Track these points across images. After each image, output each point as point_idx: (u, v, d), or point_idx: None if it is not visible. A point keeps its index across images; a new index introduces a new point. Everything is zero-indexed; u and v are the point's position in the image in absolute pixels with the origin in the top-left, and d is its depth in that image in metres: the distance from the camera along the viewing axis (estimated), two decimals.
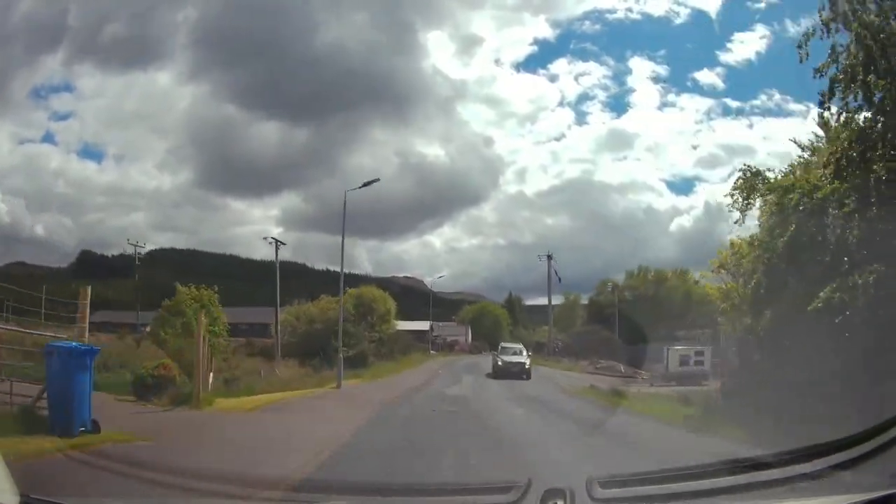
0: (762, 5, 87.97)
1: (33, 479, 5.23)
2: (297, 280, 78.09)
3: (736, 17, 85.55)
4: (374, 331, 39.67)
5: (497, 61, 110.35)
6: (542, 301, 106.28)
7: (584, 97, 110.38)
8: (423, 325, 65.68)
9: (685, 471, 5.40)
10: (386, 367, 33.46)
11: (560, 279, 55.91)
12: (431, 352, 61.35)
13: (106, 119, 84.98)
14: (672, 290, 60.60)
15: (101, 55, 77.52)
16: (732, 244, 15.67)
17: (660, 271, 65.24)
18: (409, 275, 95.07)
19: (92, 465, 7.06)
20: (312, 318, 36.17)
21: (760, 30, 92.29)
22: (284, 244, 37.28)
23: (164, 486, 5.75)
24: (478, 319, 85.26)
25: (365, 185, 29.81)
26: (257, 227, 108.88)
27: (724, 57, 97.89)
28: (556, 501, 3.68)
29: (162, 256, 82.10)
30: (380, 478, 7.09)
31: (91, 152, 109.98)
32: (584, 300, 70.84)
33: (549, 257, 54.90)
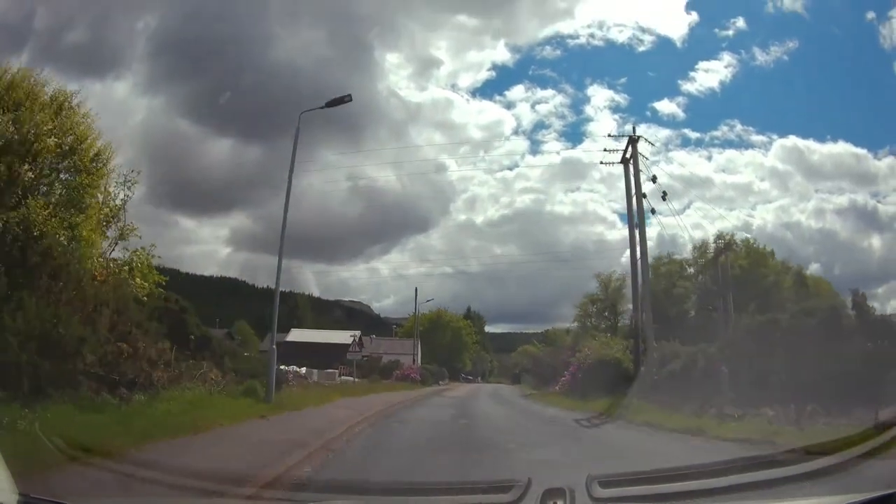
0: (730, 33, 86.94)
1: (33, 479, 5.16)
2: (235, 295, 75.81)
3: (702, 45, 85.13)
4: None
5: (454, 86, 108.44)
6: (493, 330, 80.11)
7: (539, 125, 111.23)
8: (345, 338, 45.54)
9: (685, 471, 5.40)
10: None
11: (664, 195, 24.25)
12: (345, 377, 36.66)
13: None
14: (780, 277, 38.35)
15: (62, 62, 76.77)
16: None
17: (751, 246, 40.39)
18: (354, 299, 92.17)
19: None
20: None
21: (727, 58, 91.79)
22: None
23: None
24: (431, 333, 66.50)
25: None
26: (207, 246, 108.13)
27: (686, 86, 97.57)
28: (555, 501, 3.68)
29: None
30: (380, 477, 7.07)
31: None
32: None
33: (634, 141, 24.08)
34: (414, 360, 53.27)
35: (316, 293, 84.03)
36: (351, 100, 19.44)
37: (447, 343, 69.86)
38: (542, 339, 69.03)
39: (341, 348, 42.88)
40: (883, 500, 3.39)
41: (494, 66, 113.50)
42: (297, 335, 54.91)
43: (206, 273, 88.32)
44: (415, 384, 43.56)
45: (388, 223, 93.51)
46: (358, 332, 51.76)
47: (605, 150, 25.12)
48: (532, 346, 68.75)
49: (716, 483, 4.84)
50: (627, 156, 24.41)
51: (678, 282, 38.00)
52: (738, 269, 36.44)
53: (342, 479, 6.82)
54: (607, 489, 4.17)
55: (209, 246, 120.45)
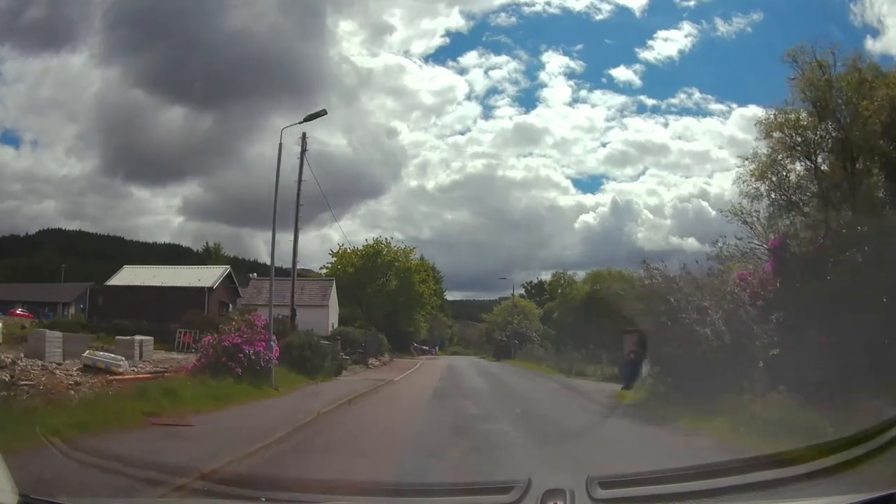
0: (692, 3, 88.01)
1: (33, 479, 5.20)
2: (176, 260, 78.11)
3: (662, 15, 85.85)
4: None
5: (406, 52, 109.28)
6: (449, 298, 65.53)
7: (492, 91, 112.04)
8: (203, 278, 33.48)
9: (685, 471, 5.39)
10: None
11: None
12: (172, 353, 23.15)
13: (25, 104, 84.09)
14: None
15: (21, 38, 77.68)
16: None
17: None
18: (304, 267, 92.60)
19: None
20: None
21: (686, 27, 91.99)
22: None
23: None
24: (363, 277, 41.81)
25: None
26: (161, 216, 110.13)
27: (644, 54, 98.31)
28: (556, 501, 3.68)
29: (49, 237, 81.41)
30: (380, 477, 7.07)
31: (10, 138, 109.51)
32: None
33: None
34: (293, 312, 25.96)
35: (265, 261, 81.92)
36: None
37: (390, 293, 43.65)
38: (525, 298, 65.17)
39: (195, 294, 29.30)
40: (883, 500, 3.38)
41: (448, 33, 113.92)
42: (128, 276, 36.91)
43: (159, 242, 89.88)
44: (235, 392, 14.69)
45: (340, 189, 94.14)
46: (227, 268, 37.01)
47: None
48: (520, 299, 60.02)
49: (718, 483, 4.82)
50: None
51: None
52: None
53: (343, 478, 6.80)
54: (607, 490, 4.17)
55: (162, 216, 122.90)
